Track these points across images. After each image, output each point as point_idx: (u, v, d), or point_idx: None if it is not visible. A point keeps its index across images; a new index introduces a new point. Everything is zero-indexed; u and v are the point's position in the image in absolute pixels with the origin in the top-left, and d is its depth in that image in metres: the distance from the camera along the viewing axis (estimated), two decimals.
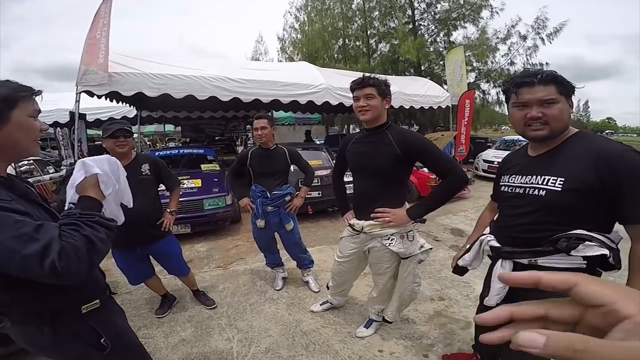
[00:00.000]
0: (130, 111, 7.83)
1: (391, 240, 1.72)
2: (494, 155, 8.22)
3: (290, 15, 15.29)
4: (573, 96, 1.11)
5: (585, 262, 1.07)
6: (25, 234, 0.72)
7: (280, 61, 15.66)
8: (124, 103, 5.92)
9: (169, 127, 14.28)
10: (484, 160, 8.36)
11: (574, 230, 1.06)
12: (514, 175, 1.26)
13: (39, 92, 0.91)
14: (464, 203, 5.92)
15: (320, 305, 2.44)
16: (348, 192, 2.13)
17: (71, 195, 0.98)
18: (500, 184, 1.35)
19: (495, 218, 1.45)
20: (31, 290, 0.87)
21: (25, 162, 5.80)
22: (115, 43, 3.99)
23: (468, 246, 1.49)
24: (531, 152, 1.23)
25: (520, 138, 9.59)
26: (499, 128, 32.64)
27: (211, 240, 4.11)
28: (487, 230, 1.44)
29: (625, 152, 1.00)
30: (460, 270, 1.53)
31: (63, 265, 0.73)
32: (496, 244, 1.31)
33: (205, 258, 3.56)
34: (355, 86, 1.66)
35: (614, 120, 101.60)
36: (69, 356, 1.07)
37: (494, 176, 1.47)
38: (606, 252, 1.02)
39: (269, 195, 2.47)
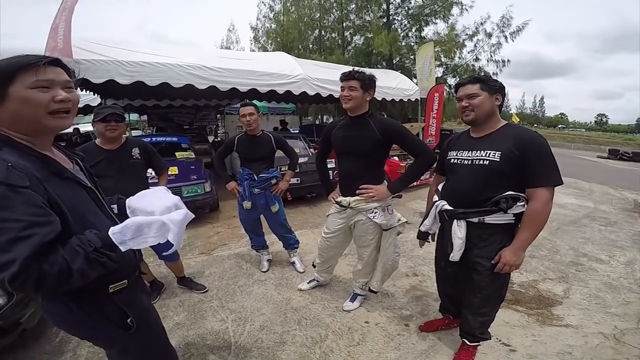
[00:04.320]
0: (94, 99, 7.38)
1: (374, 213, 1.94)
2: None
3: (265, 5, 15.09)
4: (498, 94, 1.51)
5: (514, 218, 1.48)
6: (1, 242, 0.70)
7: (253, 50, 15.38)
8: (89, 91, 5.59)
9: (133, 116, 13.59)
10: None
11: (508, 192, 1.45)
12: (462, 151, 1.61)
13: (46, 60, 0.81)
14: None
15: (308, 283, 2.59)
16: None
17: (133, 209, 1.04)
18: (448, 157, 1.68)
19: (442, 186, 1.74)
20: None
21: None
22: (77, 31, 3.80)
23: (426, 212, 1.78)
24: (474, 135, 1.60)
25: None
26: None
27: (190, 227, 4.06)
28: (436, 197, 1.73)
29: (536, 138, 1.43)
30: (423, 235, 1.84)
31: (11, 287, 0.71)
32: (449, 207, 1.62)
33: (187, 245, 3.55)
34: (343, 77, 1.89)
35: (566, 116, 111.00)
36: (97, 335, 1.07)
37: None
38: (525, 209, 1.45)
39: (256, 178, 2.57)
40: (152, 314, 1.19)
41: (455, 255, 1.58)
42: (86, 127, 12.10)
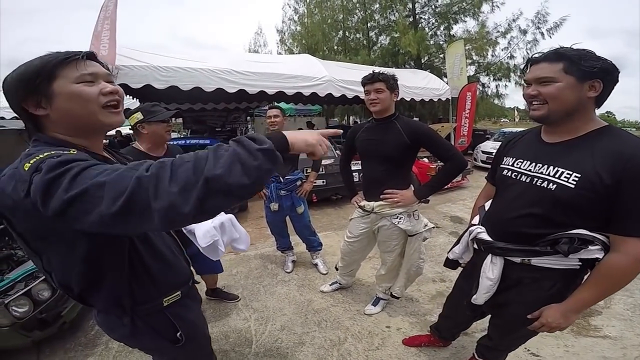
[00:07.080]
0: (134, 103, 7.90)
1: (399, 218, 1.89)
2: (492, 147, 8.36)
3: (289, 7, 15.31)
4: (596, 80, 0.92)
5: (580, 263, 1.03)
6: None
7: (280, 53, 15.67)
8: (129, 96, 6.00)
9: None
10: (483, 152, 8.55)
11: (576, 230, 0.97)
12: (521, 160, 1.13)
13: (83, 55, 0.76)
14: (463, 192, 6.09)
15: (330, 285, 2.59)
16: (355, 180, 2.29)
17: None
18: (502, 166, 1.21)
19: (488, 205, 1.34)
20: (116, 281, 0.86)
21: None
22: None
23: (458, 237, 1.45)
24: (546, 138, 1.09)
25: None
26: (498, 120, 32.95)
27: None
28: (477, 219, 1.35)
29: None
30: (451, 264, 1.46)
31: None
32: (487, 237, 1.21)
33: None
34: (367, 81, 1.82)
35: (613, 114, 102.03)
36: (145, 346, 1.09)
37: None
38: (602, 254, 0.97)
39: (282, 180, 2.62)
40: (200, 324, 1.17)
41: (479, 299, 1.22)
42: (127, 129, 13.00)
